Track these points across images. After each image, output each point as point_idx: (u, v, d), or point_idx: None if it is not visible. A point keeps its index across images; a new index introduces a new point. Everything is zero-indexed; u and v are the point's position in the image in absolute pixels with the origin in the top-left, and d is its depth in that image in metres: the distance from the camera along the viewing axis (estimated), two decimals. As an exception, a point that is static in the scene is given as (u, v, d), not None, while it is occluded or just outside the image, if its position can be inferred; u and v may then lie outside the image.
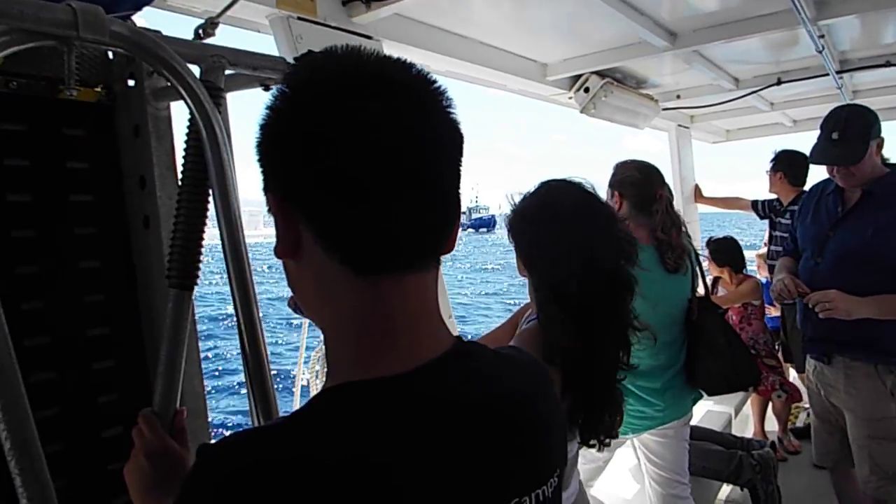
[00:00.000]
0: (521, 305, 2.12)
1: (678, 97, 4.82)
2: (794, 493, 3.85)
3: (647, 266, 1.95)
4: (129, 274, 1.55)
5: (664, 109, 4.99)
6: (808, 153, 4.36)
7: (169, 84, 1.23)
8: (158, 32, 1.27)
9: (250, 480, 0.62)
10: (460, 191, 0.77)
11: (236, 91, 1.46)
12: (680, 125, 5.92)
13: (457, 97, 0.74)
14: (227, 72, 1.35)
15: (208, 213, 1.22)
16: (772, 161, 4.61)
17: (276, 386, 1.29)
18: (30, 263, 1.38)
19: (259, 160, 0.74)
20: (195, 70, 1.27)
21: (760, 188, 4.97)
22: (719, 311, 2.86)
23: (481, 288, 38.26)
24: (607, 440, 1.73)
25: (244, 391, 1.27)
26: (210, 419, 1.54)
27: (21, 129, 1.38)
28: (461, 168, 0.76)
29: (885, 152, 2.77)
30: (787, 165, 4.51)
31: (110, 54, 1.52)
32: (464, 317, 25.57)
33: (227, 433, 0.75)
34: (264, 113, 0.73)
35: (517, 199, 1.79)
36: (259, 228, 46.53)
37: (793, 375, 5.03)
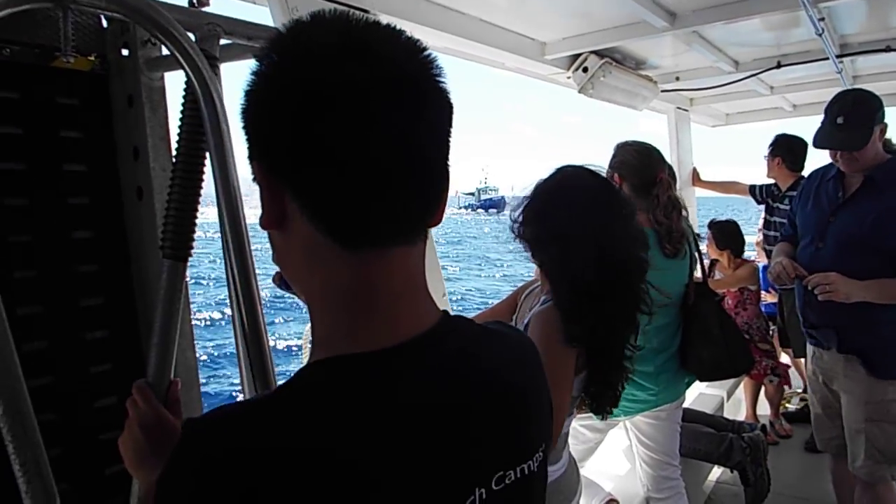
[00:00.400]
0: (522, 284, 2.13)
1: (677, 79, 4.79)
2: (785, 476, 3.88)
3: None
4: (122, 245, 1.55)
5: (663, 91, 4.97)
6: (807, 138, 4.38)
7: (163, 54, 1.22)
8: (154, -1, 1.25)
9: (230, 467, 0.61)
10: (449, 162, 0.76)
11: (230, 62, 1.45)
12: (679, 108, 5.89)
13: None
14: (222, 42, 1.34)
15: (203, 183, 1.21)
16: (770, 146, 4.58)
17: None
18: (22, 232, 1.38)
19: (244, 128, 0.73)
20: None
21: (758, 174, 4.98)
22: (716, 298, 2.85)
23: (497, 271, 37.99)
24: (610, 410, 1.82)
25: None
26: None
27: (14, 96, 1.37)
28: (450, 139, 0.75)
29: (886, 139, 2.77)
30: (786, 151, 4.49)
31: (104, 23, 1.50)
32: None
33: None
34: (249, 79, 0.71)
35: (528, 185, 1.81)
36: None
37: (785, 359, 5.06)
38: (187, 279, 1.25)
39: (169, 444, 1.01)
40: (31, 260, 1.39)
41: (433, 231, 0.99)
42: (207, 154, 1.20)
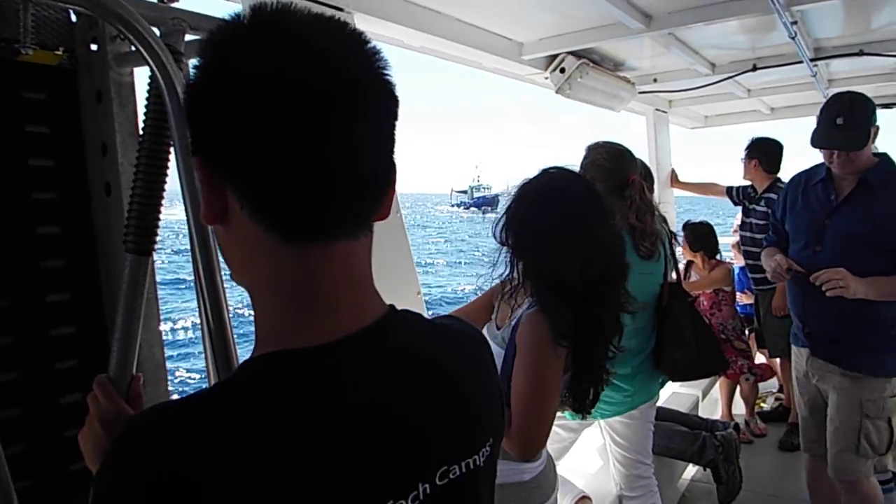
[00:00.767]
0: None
1: (655, 81, 4.81)
2: (758, 474, 3.93)
3: None
4: (90, 241, 1.54)
5: (641, 93, 4.99)
6: (784, 141, 4.43)
7: (132, 49, 1.22)
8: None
9: (165, 455, 0.61)
10: (394, 156, 0.75)
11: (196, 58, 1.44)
12: (658, 109, 5.93)
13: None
14: (188, 38, 1.34)
15: (167, 178, 1.20)
16: (746, 149, 4.64)
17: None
18: (-14, 227, 1.37)
19: (187, 121, 0.72)
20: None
21: (733, 174, 5.02)
22: (689, 299, 2.87)
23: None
24: (590, 410, 1.86)
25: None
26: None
27: (-22, 90, 1.36)
28: (394, 132, 0.74)
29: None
30: (762, 153, 4.55)
31: (73, 17, 1.49)
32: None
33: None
34: (192, 71, 0.70)
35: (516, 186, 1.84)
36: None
37: (761, 359, 5.11)
38: (155, 274, 1.25)
39: None
40: None
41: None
42: (172, 150, 1.20)
